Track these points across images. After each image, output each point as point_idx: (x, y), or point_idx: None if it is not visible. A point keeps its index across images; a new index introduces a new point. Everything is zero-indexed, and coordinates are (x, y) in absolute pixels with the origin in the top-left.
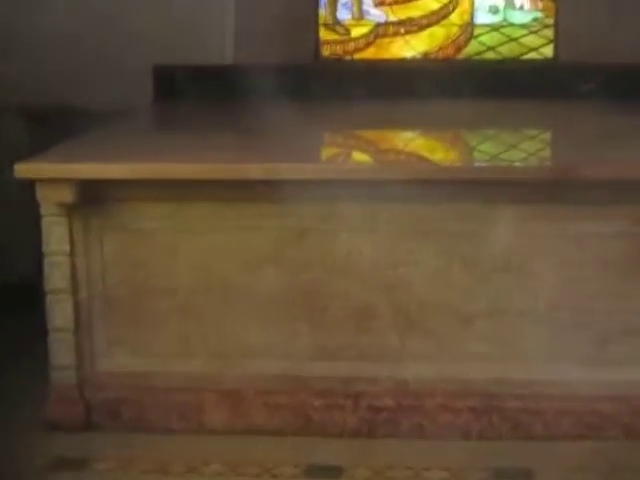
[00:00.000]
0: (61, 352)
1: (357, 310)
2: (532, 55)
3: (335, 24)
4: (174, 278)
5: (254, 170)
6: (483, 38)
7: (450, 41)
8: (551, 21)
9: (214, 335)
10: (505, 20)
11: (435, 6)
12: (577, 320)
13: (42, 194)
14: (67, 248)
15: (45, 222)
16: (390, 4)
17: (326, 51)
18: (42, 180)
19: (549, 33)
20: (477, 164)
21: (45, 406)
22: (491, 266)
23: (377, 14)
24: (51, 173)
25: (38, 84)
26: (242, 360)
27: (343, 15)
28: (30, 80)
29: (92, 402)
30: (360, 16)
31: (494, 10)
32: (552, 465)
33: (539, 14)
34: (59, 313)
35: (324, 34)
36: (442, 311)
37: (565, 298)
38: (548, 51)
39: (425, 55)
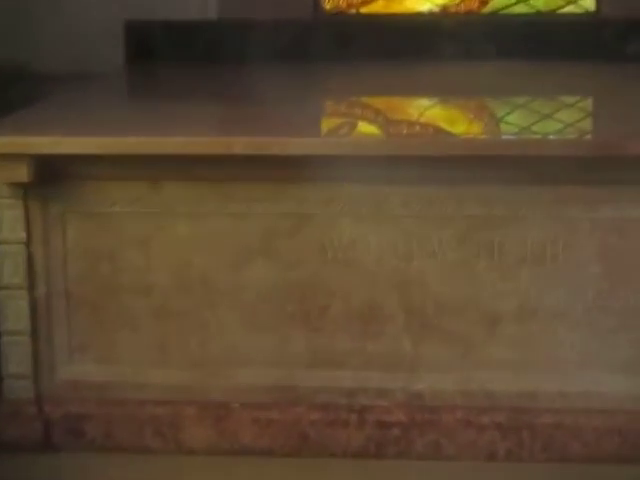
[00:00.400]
0: (15, 359)
1: (363, 310)
2: (571, 9)
3: None
4: (148, 273)
5: (240, 144)
6: None
7: None
8: None
9: (195, 340)
10: None
11: None
12: (620, 322)
13: None
14: (22, 236)
15: None
16: None
17: (327, 4)
18: None
19: None
20: (504, 137)
21: None
22: (520, 258)
23: None
24: (2, 147)
25: None
26: (227, 369)
27: None
28: None
29: (52, 418)
30: None
31: None
32: None
33: None
34: (12, 313)
35: None
36: (463, 312)
37: (606, 295)
38: (589, 4)
39: (444, 9)
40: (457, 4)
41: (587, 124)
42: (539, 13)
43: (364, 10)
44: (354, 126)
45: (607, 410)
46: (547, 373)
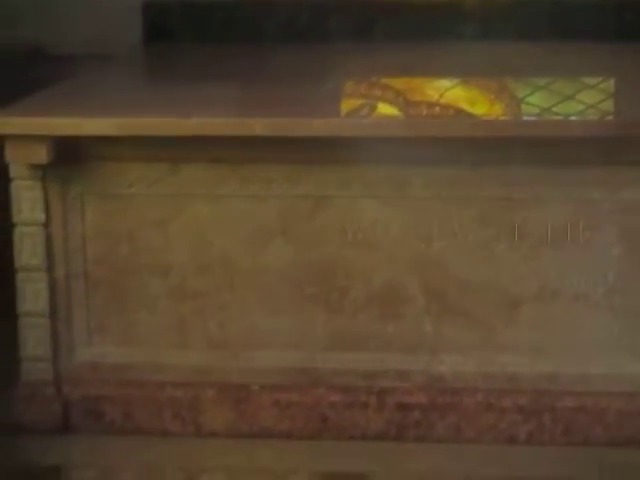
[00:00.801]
0: (33, 341)
1: (383, 292)
2: None
3: None
4: (166, 254)
5: (260, 125)
6: None
7: None
8: None
9: (214, 321)
10: None
11: None
12: None
13: (11, 153)
14: (41, 217)
15: (15, 186)
16: None
17: None
18: (11, 137)
19: None
20: (525, 119)
21: (14, 405)
22: (542, 240)
23: None
24: (22, 128)
25: (6, 25)
26: (247, 351)
27: None
28: None
29: (71, 400)
30: None
31: None
32: (615, 476)
33: None
34: (31, 294)
35: None
36: (484, 293)
37: (627, 278)
38: None
39: None
40: None
41: (609, 105)
42: None
43: None
44: (374, 107)
45: (629, 393)
46: (568, 356)
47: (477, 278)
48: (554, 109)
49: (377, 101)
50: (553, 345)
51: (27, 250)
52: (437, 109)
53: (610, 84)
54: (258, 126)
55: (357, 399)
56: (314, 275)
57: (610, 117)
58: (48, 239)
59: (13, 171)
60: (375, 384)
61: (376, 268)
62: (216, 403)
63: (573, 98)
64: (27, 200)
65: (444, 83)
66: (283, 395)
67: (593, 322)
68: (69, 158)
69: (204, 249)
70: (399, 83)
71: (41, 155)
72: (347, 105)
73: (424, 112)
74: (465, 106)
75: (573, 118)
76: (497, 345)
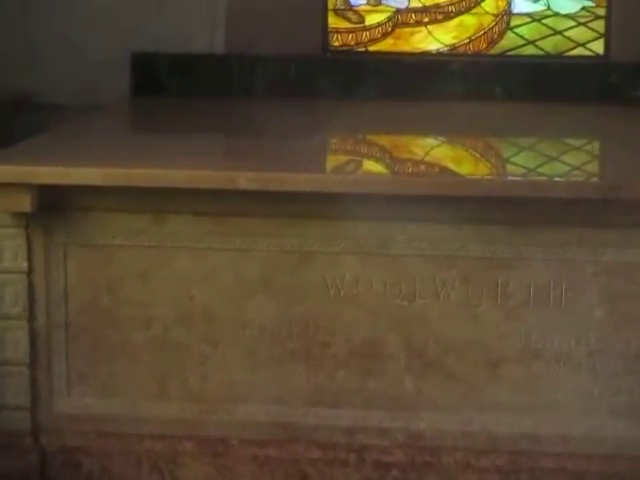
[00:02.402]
0: (12, 390)
1: (364, 348)
2: (579, 51)
3: (347, 9)
4: (149, 306)
5: (244, 179)
6: (522, 30)
7: (482, 33)
8: (603, 12)
9: (194, 374)
10: (548, 9)
11: None
12: (623, 366)
13: None
14: (24, 265)
15: None
16: None
17: (336, 41)
18: None
19: (600, 26)
20: (510, 178)
21: None
22: (524, 300)
23: None
24: (6, 176)
25: None
26: (227, 404)
27: None
28: None
29: (48, 450)
30: (377, 1)
31: None
32: None
33: (589, 3)
34: (12, 343)
35: (334, 21)
36: (466, 352)
37: (611, 340)
38: (598, 47)
39: (452, 49)
40: (465, 44)
41: (593, 167)
42: (547, 55)
43: (372, 48)
44: (360, 164)
45: (609, 455)
46: (548, 416)
47: (459, 336)
48: (539, 170)
49: (363, 157)
50: (534, 405)
51: (8, 298)
52: (423, 167)
53: (595, 146)
54: (242, 180)
55: (337, 456)
56: (296, 330)
57: (594, 179)
58: (30, 288)
59: None
60: (355, 441)
61: (358, 324)
62: (195, 457)
63: (558, 159)
64: (10, 248)
65: (430, 141)
66: (262, 450)
67: (574, 383)
68: (53, 207)
69: (186, 302)
70: (385, 140)
71: (25, 203)
72: (333, 161)
73: (409, 170)
74: (450, 165)
75: (557, 179)
76: (478, 404)
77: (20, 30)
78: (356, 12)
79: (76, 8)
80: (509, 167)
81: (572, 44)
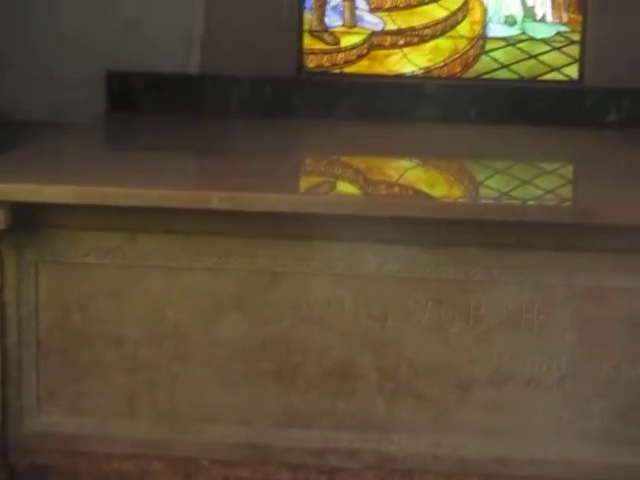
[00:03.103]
0: None
1: (336, 369)
2: (554, 76)
3: (322, 31)
4: (120, 325)
5: (217, 199)
6: (496, 54)
7: (457, 56)
8: (577, 37)
9: (164, 394)
10: (523, 33)
11: (441, 14)
12: (595, 391)
13: None
14: None
15: None
16: (388, 10)
17: (310, 63)
18: None
19: (575, 51)
20: (482, 202)
21: None
22: (496, 323)
23: (373, 21)
24: None
25: None
26: (197, 424)
27: (332, 21)
28: None
29: (17, 469)
30: (352, 23)
31: (511, 21)
32: None
33: (564, 28)
34: None
35: (309, 42)
36: (437, 374)
37: (582, 365)
38: (573, 71)
39: (427, 71)
40: (440, 67)
41: (567, 191)
42: (522, 79)
43: (348, 70)
44: (333, 184)
45: (578, 479)
46: (519, 440)
47: (430, 359)
48: (512, 193)
49: (336, 178)
50: (504, 428)
51: None
52: (396, 189)
53: (568, 170)
54: (215, 199)
55: (307, 477)
56: (267, 350)
57: (567, 203)
58: (1, 305)
59: None
60: (325, 463)
61: (330, 345)
62: (164, 477)
63: (531, 183)
64: None
65: (404, 164)
66: (232, 471)
67: (545, 407)
68: (25, 224)
69: (157, 320)
70: (359, 162)
71: None
72: (306, 181)
73: (383, 191)
74: (424, 187)
75: (530, 203)
76: (448, 427)
77: None
78: (332, 34)
79: (51, 26)
80: (482, 190)
81: (546, 68)
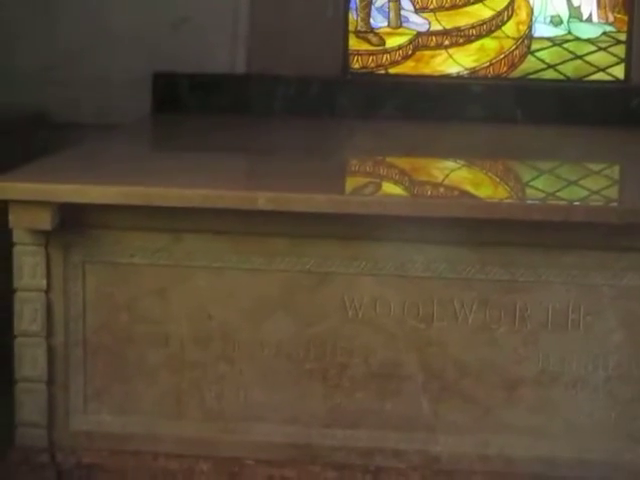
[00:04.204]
0: (29, 407)
1: (382, 370)
2: (600, 76)
3: (368, 32)
4: (166, 324)
5: (263, 199)
6: (542, 54)
7: (503, 56)
8: (623, 37)
9: (211, 393)
10: (569, 33)
11: (487, 14)
12: None
13: (15, 218)
14: (42, 283)
15: (17, 251)
16: (434, 10)
17: (356, 63)
18: (15, 202)
19: (621, 51)
20: (528, 202)
21: (7, 472)
22: (543, 323)
23: (418, 22)
24: (26, 194)
25: (14, 90)
26: (243, 424)
27: (378, 22)
28: (5, 86)
29: (64, 468)
30: (398, 23)
31: (557, 21)
32: None
33: (610, 28)
34: (29, 360)
35: (354, 43)
36: (483, 375)
37: (629, 365)
38: (619, 72)
39: (473, 72)
40: (486, 67)
41: (613, 191)
42: (568, 79)
43: (393, 70)
44: (379, 185)
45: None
46: (565, 440)
47: (476, 359)
48: (558, 194)
49: (382, 179)
50: (551, 429)
51: (27, 315)
52: (442, 190)
53: (614, 170)
54: (261, 200)
55: (353, 477)
56: (313, 350)
57: (613, 204)
58: (48, 305)
59: (16, 236)
60: (371, 463)
61: (376, 345)
62: (210, 476)
63: (577, 183)
64: (29, 266)
65: (449, 164)
66: (278, 471)
67: (591, 408)
68: (72, 225)
69: (204, 320)
70: (405, 163)
71: (45, 221)
72: (352, 182)
73: (429, 192)
74: (469, 188)
75: (576, 203)
76: (494, 427)
77: (42, 48)
78: (377, 34)
79: (98, 28)
80: (528, 190)
81: (593, 69)
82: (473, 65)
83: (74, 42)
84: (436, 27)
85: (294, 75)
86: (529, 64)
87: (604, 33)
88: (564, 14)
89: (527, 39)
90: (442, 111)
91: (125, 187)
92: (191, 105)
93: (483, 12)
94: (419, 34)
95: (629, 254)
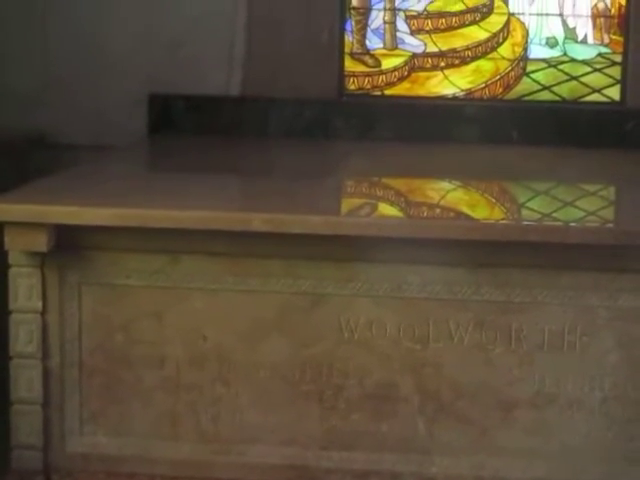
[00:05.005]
0: (25, 429)
1: (378, 391)
2: (595, 97)
3: (363, 53)
4: (162, 346)
5: (258, 221)
6: (538, 75)
7: (498, 78)
8: (619, 58)
9: (207, 415)
10: (565, 55)
11: (482, 36)
12: (637, 413)
13: (10, 240)
14: (38, 305)
15: (12, 273)
16: (429, 32)
17: (352, 85)
18: (11, 223)
19: (616, 72)
20: (524, 223)
21: None
22: (539, 344)
23: (414, 43)
24: (22, 215)
25: (10, 113)
26: (239, 446)
27: (373, 43)
28: (0, 108)
29: None
30: (393, 45)
31: (552, 43)
32: None
33: (605, 49)
34: (25, 382)
35: (350, 65)
36: (478, 396)
37: (625, 386)
38: (614, 93)
39: (468, 93)
40: (481, 89)
41: (609, 212)
42: (563, 100)
43: (389, 92)
44: (374, 206)
45: None
46: (562, 462)
47: (472, 380)
48: (554, 215)
49: (378, 200)
50: (547, 450)
51: (23, 337)
52: (437, 211)
53: (610, 192)
54: (256, 221)
55: None
56: (309, 372)
57: (609, 225)
58: (44, 327)
59: (11, 258)
60: None
61: (371, 367)
62: None
63: (573, 204)
64: (25, 287)
65: (445, 185)
66: None
67: (587, 429)
68: (68, 246)
69: (200, 342)
70: (400, 184)
71: (41, 243)
72: (347, 203)
73: (424, 213)
74: (465, 209)
75: (572, 224)
76: (490, 448)
77: (38, 70)
78: (373, 56)
79: (94, 50)
80: (524, 212)
81: (588, 90)
82: (469, 86)
83: (70, 63)
84: (432, 49)
85: (289, 97)
86: (525, 85)
87: (599, 54)
88: (559, 36)
89: (522, 61)
90: (438, 132)
91: (121, 209)
92: (187, 127)
93: (478, 34)
94: (415, 55)
95: (625, 275)
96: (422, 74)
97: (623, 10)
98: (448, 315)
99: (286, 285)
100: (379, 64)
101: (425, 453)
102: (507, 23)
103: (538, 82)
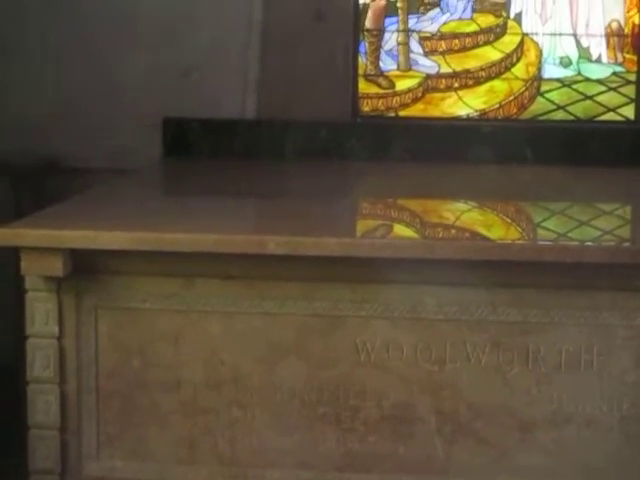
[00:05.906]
0: (42, 453)
1: (395, 413)
2: (610, 116)
3: (377, 75)
4: (178, 369)
5: (273, 243)
6: (552, 95)
7: (513, 98)
8: (633, 77)
9: (223, 438)
10: (579, 74)
11: (496, 56)
12: None
13: (27, 265)
14: (55, 330)
15: (29, 298)
16: (443, 53)
17: (366, 106)
18: (27, 248)
19: (630, 91)
20: (540, 243)
21: None
22: (556, 365)
23: (427, 64)
24: (38, 240)
25: (25, 137)
26: (256, 469)
27: (387, 65)
28: (16, 132)
29: None
30: (407, 66)
31: (566, 62)
32: None
33: (620, 68)
34: (42, 406)
35: (364, 87)
36: (496, 416)
37: None
38: (629, 112)
39: (482, 114)
40: (496, 109)
41: (625, 231)
42: (578, 120)
43: (403, 113)
44: (390, 228)
45: None
46: None
47: (490, 401)
48: (570, 234)
49: (393, 222)
50: (565, 470)
51: (39, 362)
52: (453, 231)
53: (626, 210)
54: (271, 244)
55: None
56: (326, 394)
57: (625, 244)
58: (61, 352)
59: (28, 283)
60: None
61: (388, 389)
62: None
63: (589, 224)
64: (41, 312)
65: (460, 206)
66: None
67: (606, 448)
68: (84, 271)
69: (216, 365)
70: (415, 205)
71: (57, 267)
72: (363, 225)
73: (440, 234)
74: (481, 229)
75: (588, 244)
76: (508, 469)
77: (53, 94)
78: (386, 77)
79: (109, 74)
80: (540, 231)
81: (602, 109)
82: (483, 107)
83: (86, 88)
84: (445, 69)
85: (304, 119)
86: (539, 105)
87: (614, 73)
88: (573, 55)
89: (536, 80)
90: (452, 153)
91: (136, 233)
92: (202, 150)
93: (492, 54)
94: (428, 77)
95: None
96: (436, 95)
97: (637, 29)
98: (465, 336)
99: (302, 307)
100: (393, 85)
101: (443, 474)
102: (521, 43)
103: (552, 102)
